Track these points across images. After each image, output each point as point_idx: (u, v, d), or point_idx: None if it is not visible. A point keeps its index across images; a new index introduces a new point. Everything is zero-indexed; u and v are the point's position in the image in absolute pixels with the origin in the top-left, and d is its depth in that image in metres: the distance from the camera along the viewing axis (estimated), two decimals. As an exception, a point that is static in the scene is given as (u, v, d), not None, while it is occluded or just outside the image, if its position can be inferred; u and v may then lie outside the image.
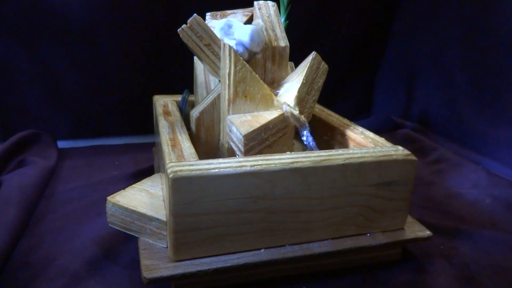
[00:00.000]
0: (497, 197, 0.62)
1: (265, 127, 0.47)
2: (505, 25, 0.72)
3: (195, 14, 0.49)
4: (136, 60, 0.83)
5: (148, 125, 0.73)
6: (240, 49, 0.50)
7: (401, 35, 0.95)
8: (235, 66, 0.48)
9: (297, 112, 0.48)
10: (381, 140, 0.49)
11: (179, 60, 0.82)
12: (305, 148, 0.52)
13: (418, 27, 0.90)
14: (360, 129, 0.53)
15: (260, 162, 0.40)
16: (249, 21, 0.58)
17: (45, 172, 0.63)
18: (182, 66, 0.71)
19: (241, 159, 0.40)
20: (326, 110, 0.63)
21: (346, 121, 0.57)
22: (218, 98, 0.52)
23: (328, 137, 0.57)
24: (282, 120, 0.49)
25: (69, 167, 0.70)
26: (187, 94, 0.66)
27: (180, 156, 0.42)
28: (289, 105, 0.48)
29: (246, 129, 0.45)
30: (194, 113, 0.53)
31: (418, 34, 0.90)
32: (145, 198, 0.45)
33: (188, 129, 0.54)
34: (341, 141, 0.54)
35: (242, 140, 0.44)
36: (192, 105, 0.66)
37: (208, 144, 0.54)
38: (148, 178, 0.51)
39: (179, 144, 0.45)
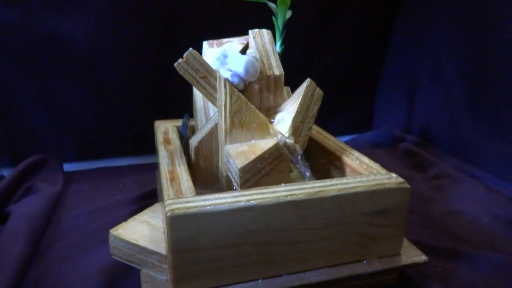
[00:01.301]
0: (496, 215, 0.62)
1: (261, 158, 0.48)
2: (502, 40, 0.72)
3: (190, 48, 0.50)
4: (138, 84, 0.84)
5: (150, 146, 0.75)
6: (236, 80, 0.51)
7: (399, 48, 0.96)
8: (231, 98, 0.49)
9: (292, 142, 0.49)
10: (375, 166, 0.50)
11: (179, 84, 0.84)
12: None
13: (416, 40, 0.91)
14: (356, 154, 0.54)
15: (255, 197, 0.41)
16: (245, 48, 0.60)
17: (52, 199, 0.65)
18: (182, 89, 0.73)
19: (236, 194, 0.41)
20: (323, 132, 0.64)
21: (342, 145, 0.58)
22: (215, 127, 0.54)
23: (325, 161, 0.58)
24: (278, 148, 0.50)
25: (74, 192, 0.72)
26: (187, 119, 0.67)
27: (178, 191, 0.43)
28: (284, 135, 0.49)
29: (242, 161, 0.46)
30: (193, 142, 0.55)
31: (416, 47, 0.91)
32: (146, 231, 0.46)
33: (188, 155, 0.56)
34: (337, 166, 0.55)
35: (238, 174, 0.45)
36: (193, 129, 0.67)
37: (207, 171, 0.56)
38: (149, 208, 0.52)
39: (177, 178, 0.46)
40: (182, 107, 0.72)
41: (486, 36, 0.75)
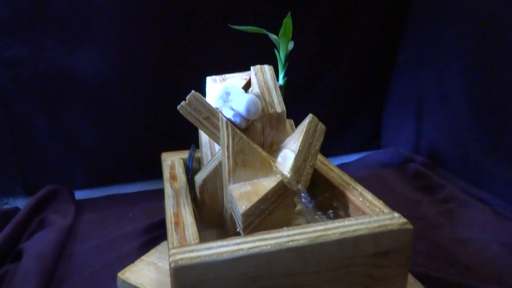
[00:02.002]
0: (504, 243, 0.62)
1: (264, 199, 0.48)
2: (509, 63, 0.72)
3: (193, 91, 0.51)
4: (147, 112, 0.86)
5: (159, 171, 0.76)
6: (238, 119, 0.52)
7: (406, 67, 0.96)
8: (233, 139, 0.50)
9: (294, 182, 0.49)
10: (378, 204, 0.50)
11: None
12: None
13: (422, 60, 0.90)
14: (359, 189, 0.55)
15: (257, 244, 0.42)
16: (248, 84, 0.60)
17: (63, 233, 0.66)
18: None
19: (238, 241, 0.42)
20: (327, 163, 0.65)
21: (346, 178, 0.58)
22: (220, 165, 0.55)
23: (329, 194, 0.58)
24: (281, 186, 0.50)
25: (85, 223, 0.74)
26: (193, 151, 0.68)
27: (182, 238, 0.44)
28: (286, 176, 0.49)
29: (245, 205, 0.47)
30: (198, 180, 0.55)
31: (423, 67, 0.90)
32: (152, 274, 0.47)
33: (194, 189, 0.57)
34: (341, 201, 0.55)
35: (241, 218, 0.46)
36: (199, 161, 0.68)
37: (212, 208, 0.56)
38: (156, 248, 0.53)
39: (182, 222, 0.47)
40: (190, 133, 0.72)
41: (494, 58, 0.74)
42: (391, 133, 1.02)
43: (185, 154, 0.69)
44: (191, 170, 0.67)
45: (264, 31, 0.64)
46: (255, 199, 0.48)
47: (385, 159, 0.95)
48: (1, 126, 0.78)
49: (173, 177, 0.60)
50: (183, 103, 0.52)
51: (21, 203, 0.82)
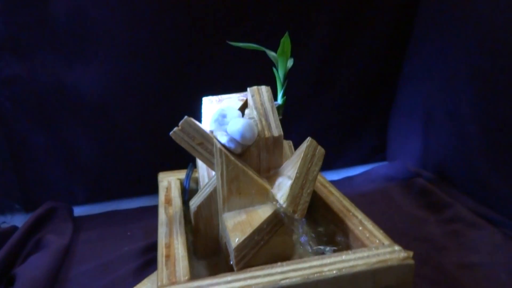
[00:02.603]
0: (513, 271, 0.59)
1: (259, 229, 0.47)
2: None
3: (186, 117, 0.50)
4: (146, 128, 0.85)
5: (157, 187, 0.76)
6: (232, 145, 0.50)
7: (411, 80, 0.93)
8: (227, 167, 0.48)
9: (291, 211, 0.47)
10: (379, 234, 0.48)
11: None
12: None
13: (428, 71, 0.88)
14: (360, 216, 0.53)
15: (249, 282, 0.40)
16: (245, 105, 0.59)
17: (59, 256, 0.65)
18: None
19: (230, 278, 0.41)
20: (327, 185, 0.63)
21: (346, 203, 0.56)
22: (215, 191, 0.53)
23: (328, 220, 0.56)
24: (277, 215, 0.49)
25: (82, 242, 0.73)
26: (191, 170, 0.67)
27: (172, 274, 0.42)
28: (282, 206, 0.47)
29: (238, 238, 0.45)
30: (192, 206, 0.54)
31: (429, 79, 0.88)
32: (143, 308, 0.46)
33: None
34: (340, 228, 0.53)
35: (233, 253, 0.44)
36: (196, 181, 0.67)
37: (207, 235, 0.55)
38: (148, 278, 0.52)
39: (173, 254, 0.46)
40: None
41: (503, 72, 0.71)
42: (397, 146, 0.99)
43: (182, 174, 0.68)
44: (187, 192, 0.66)
45: (262, 48, 0.62)
46: (249, 230, 0.46)
47: (391, 173, 0.93)
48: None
49: (168, 201, 0.58)
50: (176, 129, 0.50)
51: (20, 219, 0.82)
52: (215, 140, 0.50)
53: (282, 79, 0.62)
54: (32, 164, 0.81)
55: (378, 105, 1.00)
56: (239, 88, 0.85)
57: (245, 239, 0.45)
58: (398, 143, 0.99)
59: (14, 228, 0.73)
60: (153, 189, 0.88)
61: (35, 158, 0.81)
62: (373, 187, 0.91)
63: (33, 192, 0.83)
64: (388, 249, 0.45)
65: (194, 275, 0.52)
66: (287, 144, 0.61)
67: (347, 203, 0.56)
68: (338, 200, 0.57)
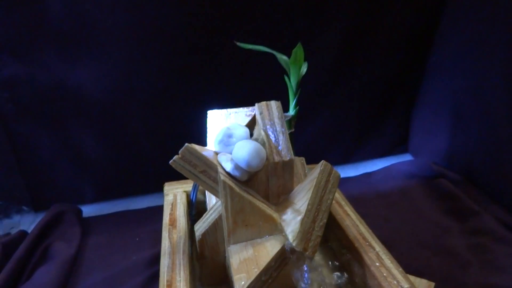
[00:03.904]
0: (544, 298, 0.55)
1: (266, 269, 0.43)
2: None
3: (186, 144, 0.46)
4: (152, 124, 0.82)
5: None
6: (238, 173, 0.46)
7: (438, 70, 0.85)
8: (232, 200, 0.45)
9: (301, 249, 0.43)
10: (398, 274, 0.44)
11: (194, 125, 0.80)
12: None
13: (458, 63, 0.80)
14: (377, 247, 0.48)
15: None
16: (253, 121, 0.54)
17: (66, 268, 0.64)
18: (197, 128, 0.69)
19: (233, 334, 0.38)
20: (343, 203, 0.58)
21: (363, 228, 0.52)
22: (220, 218, 0.49)
23: (342, 245, 0.52)
24: (286, 250, 0.45)
25: (91, 249, 0.71)
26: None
27: (172, 323, 0.40)
28: (290, 243, 0.44)
29: (243, 281, 0.42)
30: (197, 233, 0.51)
31: (458, 72, 0.80)
32: None
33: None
34: (355, 258, 0.49)
35: (237, 300, 0.41)
36: (204, 192, 0.63)
37: (214, 263, 0.52)
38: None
39: (174, 296, 0.43)
40: (199, 139, 0.67)
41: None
42: (420, 142, 0.93)
43: (189, 184, 0.64)
44: (195, 206, 0.62)
45: (272, 51, 0.56)
46: (255, 272, 0.42)
47: (413, 171, 0.87)
48: (3, 147, 0.75)
49: (172, 222, 0.55)
50: (175, 157, 0.46)
51: (29, 220, 0.81)
52: (219, 167, 0.46)
53: (294, 88, 0.56)
54: (38, 165, 0.80)
55: (401, 97, 0.93)
56: (247, 90, 0.80)
57: (251, 283, 0.41)
58: (422, 138, 0.92)
59: (22, 234, 0.72)
60: (162, 187, 0.86)
61: (41, 159, 0.79)
62: (392, 185, 0.86)
63: (41, 193, 0.82)
64: (408, 295, 0.41)
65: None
66: (299, 162, 0.57)
67: (363, 228, 0.52)
68: (354, 225, 0.53)
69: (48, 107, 0.75)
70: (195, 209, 0.62)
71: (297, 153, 0.62)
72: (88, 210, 0.84)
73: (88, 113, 0.78)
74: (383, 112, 0.95)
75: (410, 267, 0.63)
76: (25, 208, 0.80)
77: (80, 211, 0.81)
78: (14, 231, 0.73)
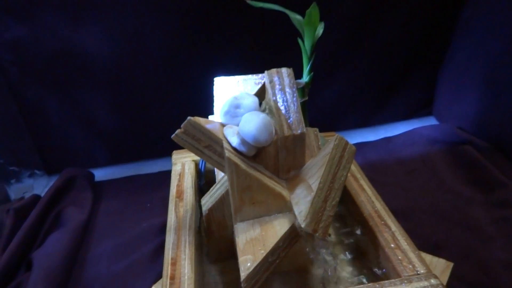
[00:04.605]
0: None
1: (273, 250, 0.41)
2: None
3: (189, 118, 0.42)
4: (163, 86, 0.79)
5: (179, 147, 0.71)
6: (244, 149, 0.43)
7: (472, 24, 0.77)
8: (238, 177, 0.42)
9: (311, 230, 0.41)
10: (414, 257, 0.41)
11: (203, 84, 0.77)
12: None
13: (494, 19, 0.72)
14: (393, 226, 0.45)
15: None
16: (263, 90, 0.49)
17: (77, 233, 0.64)
18: (206, 89, 0.66)
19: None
20: (358, 176, 0.55)
21: (378, 205, 0.49)
22: (227, 194, 0.47)
23: (357, 222, 0.50)
24: (295, 229, 0.43)
25: (102, 215, 0.71)
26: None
27: (175, 304, 0.39)
28: (300, 224, 0.41)
29: (249, 262, 0.40)
30: (203, 208, 0.49)
31: (494, 29, 0.72)
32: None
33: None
34: (370, 237, 0.47)
35: (243, 284, 0.39)
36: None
37: (221, 239, 0.50)
38: (156, 285, 0.49)
39: (178, 276, 0.41)
40: (210, 107, 0.64)
41: None
42: (446, 104, 0.87)
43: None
44: (203, 176, 0.60)
45: (286, 10, 0.51)
46: (261, 254, 0.40)
47: (436, 136, 0.82)
48: (11, 110, 0.73)
49: (179, 195, 0.53)
50: (178, 131, 0.43)
51: (43, 184, 0.81)
52: (224, 142, 0.43)
53: (309, 52, 0.52)
54: (48, 130, 0.78)
55: (427, 55, 0.86)
56: (258, 55, 0.74)
57: (257, 266, 0.40)
58: (448, 100, 0.86)
59: (35, 198, 0.72)
60: (175, 148, 0.85)
61: (51, 124, 0.78)
62: (413, 151, 0.81)
63: (54, 156, 0.82)
64: (424, 283, 0.38)
65: (207, 282, 0.49)
66: (312, 133, 0.53)
67: (379, 205, 0.49)
68: (369, 201, 0.50)
69: (54, 70, 0.73)
70: (204, 179, 0.60)
71: (312, 117, 0.58)
72: (101, 174, 0.83)
73: (96, 76, 0.75)
74: (407, 72, 0.88)
75: (428, 240, 0.61)
76: (37, 172, 0.80)
77: (92, 176, 0.80)
78: (27, 196, 0.73)
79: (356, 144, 0.86)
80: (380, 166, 0.79)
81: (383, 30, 0.81)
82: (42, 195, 0.72)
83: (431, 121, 0.93)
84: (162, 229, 0.66)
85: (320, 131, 0.54)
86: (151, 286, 0.54)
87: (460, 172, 0.74)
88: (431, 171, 0.75)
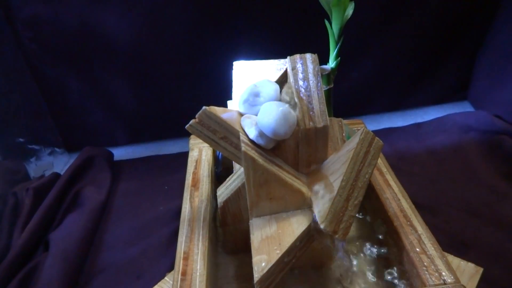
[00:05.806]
0: None
1: (289, 250, 0.39)
2: None
3: (204, 107, 0.40)
4: (183, 65, 0.76)
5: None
6: (263, 142, 0.40)
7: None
8: (255, 172, 0.40)
9: (330, 232, 0.38)
10: (441, 263, 0.38)
11: (223, 67, 0.74)
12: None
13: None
14: (420, 229, 0.42)
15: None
16: (285, 76, 0.46)
17: (95, 215, 0.64)
18: (227, 72, 0.63)
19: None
20: (384, 170, 0.51)
21: (405, 203, 0.46)
22: (243, 186, 0.45)
23: (381, 220, 0.47)
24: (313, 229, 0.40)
25: (120, 196, 0.71)
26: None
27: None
28: (318, 224, 0.39)
29: (264, 262, 0.38)
30: (219, 199, 0.47)
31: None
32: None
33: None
34: (394, 239, 0.44)
35: (257, 285, 0.37)
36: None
37: (236, 231, 0.48)
38: (170, 274, 0.48)
39: (190, 272, 0.40)
40: (227, 88, 0.62)
41: None
42: (483, 90, 0.81)
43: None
44: (221, 163, 0.58)
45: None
46: (277, 254, 0.38)
47: (470, 123, 0.77)
48: (31, 88, 0.73)
49: (195, 183, 0.52)
50: (192, 122, 0.41)
51: (63, 161, 0.82)
52: (241, 134, 0.41)
53: (336, 35, 0.48)
54: (68, 108, 0.78)
55: (466, 36, 0.80)
56: (281, 38, 0.70)
57: (271, 267, 0.38)
58: (485, 85, 0.80)
59: (55, 176, 0.72)
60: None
61: (71, 102, 0.77)
62: (444, 139, 0.77)
63: (73, 135, 0.82)
64: (451, 281, 0.36)
65: (220, 275, 0.48)
66: (336, 123, 0.49)
67: (406, 204, 0.46)
68: (395, 198, 0.47)
69: (74, 48, 0.71)
70: (221, 166, 0.58)
71: (336, 100, 0.54)
72: (120, 153, 0.83)
73: (116, 55, 0.73)
74: (441, 53, 0.82)
75: (455, 238, 0.57)
76: (57, 149, 0.80)
77: (112, 155, 0.80)
78: (47, 173, 0.73)
79: (383, 130, 0.82)
80: (407, 155, 0.75)
81: (417, 8, 0.75)
82: (62, 173, 0.73)
83: (465, 107, 0.87)
84: (178, 213, 0.64)
85: (345, 115, 0.51)
86: (166, 273, 0.54)
87: (494, 164, 0.69)
88: (463, 162, 0.71)
